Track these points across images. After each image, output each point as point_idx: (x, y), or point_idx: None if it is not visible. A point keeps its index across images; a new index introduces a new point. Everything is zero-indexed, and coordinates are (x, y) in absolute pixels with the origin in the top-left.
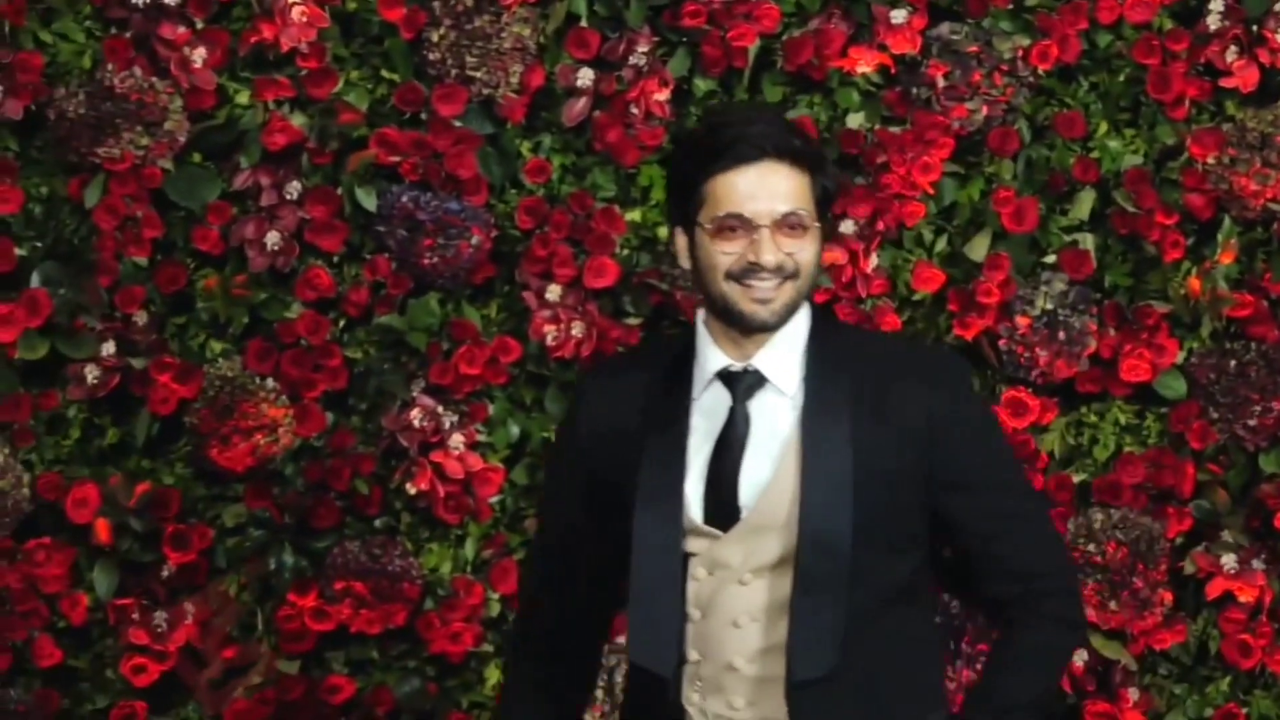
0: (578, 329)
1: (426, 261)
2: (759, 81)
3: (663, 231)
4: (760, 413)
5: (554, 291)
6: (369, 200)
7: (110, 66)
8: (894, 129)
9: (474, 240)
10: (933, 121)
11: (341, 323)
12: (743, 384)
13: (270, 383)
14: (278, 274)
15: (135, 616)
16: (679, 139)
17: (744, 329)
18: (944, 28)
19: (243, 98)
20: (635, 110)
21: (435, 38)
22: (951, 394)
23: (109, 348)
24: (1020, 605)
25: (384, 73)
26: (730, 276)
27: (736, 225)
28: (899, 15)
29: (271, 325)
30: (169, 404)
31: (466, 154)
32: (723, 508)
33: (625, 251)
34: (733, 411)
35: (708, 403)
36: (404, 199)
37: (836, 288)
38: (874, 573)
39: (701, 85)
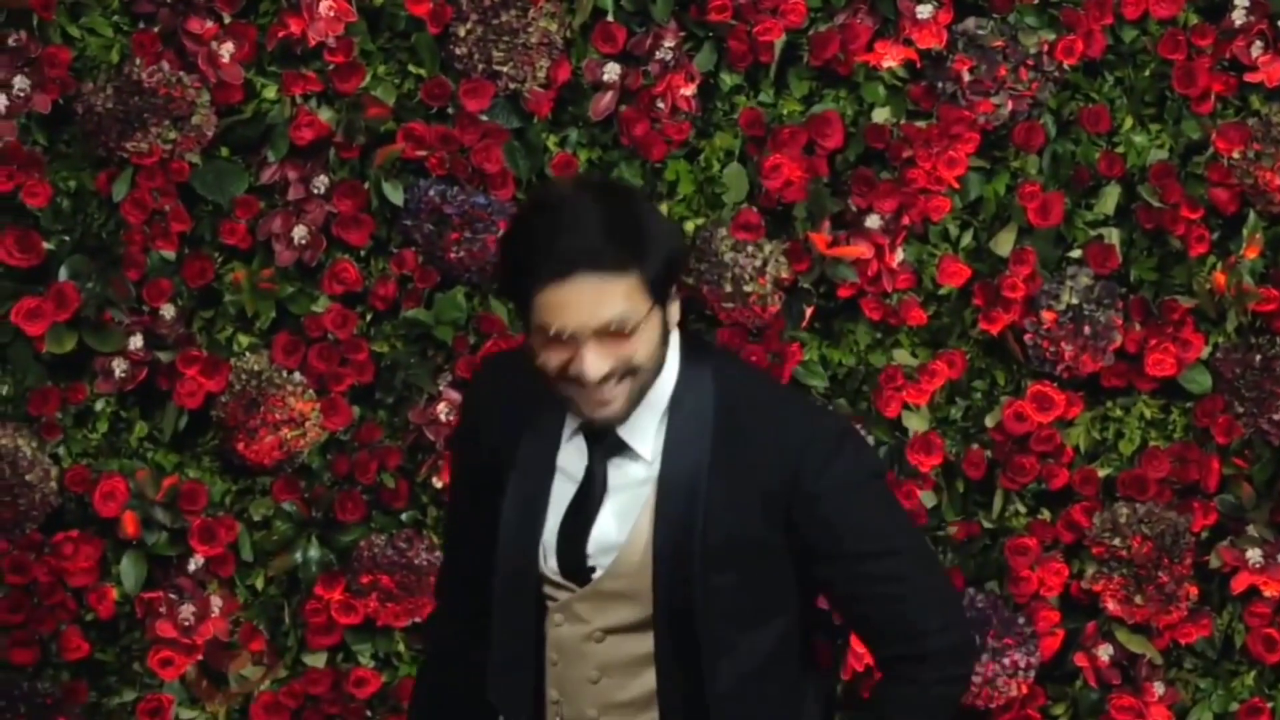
0: None
1: (453, 255)
2: (785, 76)
3: (690, 225)
4: (617, 475)
5: None
6: (396, 194)
7: (138, 61)
8: (920, 123)
9: (501, 234)
10: (958, 116)
11: (368, 317)
12: (602, 445)
13: (297, 376)
14: (305, 268)
15: (163, 610)
16: (504, 237)
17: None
18: (970, 22)
19: (270, 92)
20: (662, 105)
21: (462, 32)
22: (819, 461)
23: (137, 341)
24: (909, 663)
25: (411, 67)
26: (563, 379)
27: (556, 340)
28: (925, 10)
29: (299, 319)
30: (196, 397)
31: (493, 148)
32: (576, 564)
33: None
34: (590, 471)
35: (571, 451)
36: (430, 193)
37: (862, 282)
38: (736, 644)
39: (728, 80)
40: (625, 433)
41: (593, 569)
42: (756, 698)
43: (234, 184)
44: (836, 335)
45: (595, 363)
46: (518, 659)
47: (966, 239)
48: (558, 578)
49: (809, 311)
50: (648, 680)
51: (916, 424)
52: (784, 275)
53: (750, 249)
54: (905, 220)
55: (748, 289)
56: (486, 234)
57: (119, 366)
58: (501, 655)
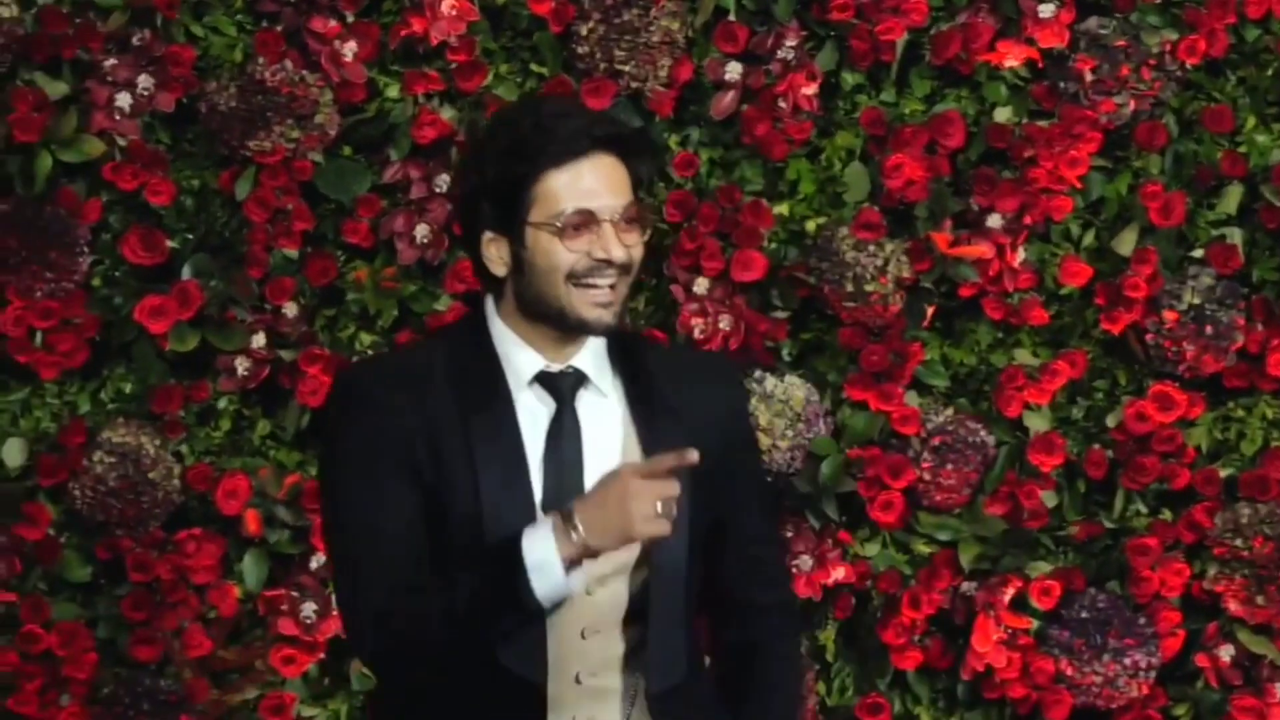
0: (725, 322)
1: None
2: (906, 75)
3: (811, 225)
4: (587, 416)
5: (702, 285)
6: None
7: (261, 60)
8: (1042, 123)
9: (474, 138)
10: (1080, 115)
11: None
12: (565, 384)
13: None
14: (427, 266)
15: (284, 608)
16: (485, 142)
17: (578, 334)
18: (1092, 22)
19: (393, 91)
20: (783, 104)
21: (584, 31)
22: (741, 395)
23: (259, 339)
24: (774, 611)
25: (533, 66)
26: (571, 277)
27: (582, 221)
28: (1047, 9)
29: (420, 317)
30: (319, 395)
31: None
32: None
33: (773, 245)
34: (559, 414)
35: (527, 404)
36: None
37: (983, 281)
38: (693, 578)
39: (849, 79)
40: (589, 368)
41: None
42: (697, 644)
43: (356, 183)
44: (958, 335)
45: (618, 245)
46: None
47: (1088, 238)
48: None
49: (930, 311)
50: (629, 632)
51: (1038, 424)
52: (905, 275)
53: (872, 248)
54: (1027, 220)
55: (869, 288)
56: None
57: (242, 365)
58: (507, 620)
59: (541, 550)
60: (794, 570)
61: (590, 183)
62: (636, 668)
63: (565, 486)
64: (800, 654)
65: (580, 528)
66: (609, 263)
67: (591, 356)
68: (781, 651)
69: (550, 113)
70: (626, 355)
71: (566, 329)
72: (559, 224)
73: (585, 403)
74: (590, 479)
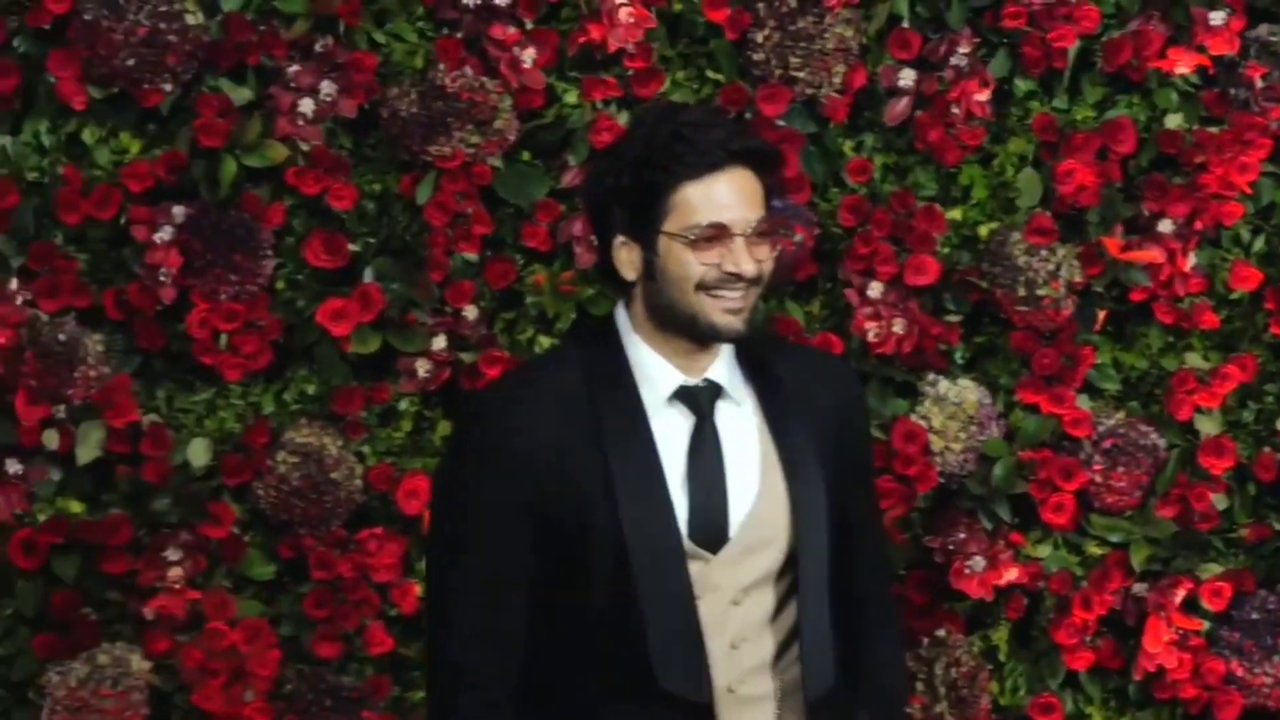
0: (899, 326)
1: None
2: (1078, 82)
3: (984, 230)
4: (725, 427)
5: (875, 289)
6: None
7: (442, 66)
8: (1212, 129)
9: (797, 238)
10: (1251, 122)
11: None
12: (704, 398)
13: None
14: None
15: None
16: (624, 146)
17: (710, 341)
18: (1262, 29)
19: (571, 97)
20: (956, 110)
21: (759, 38)
22: (861, 396)
23: (440, 342)
24: (887, 600)
25: (709, 73)
26: (702, 287)
27: (715, 235)
28: (1218, 17)
29: (598, 320)
30: None
31: (790, 153)
32: (711, 528)
33: (946, 249)
34: (699, 428)
35: (666, 421)
36: None
37: (1154, 286)
38: (833, 582)
39: (1022, 86)
40: (723, 380)
41: (727, 531)
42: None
43: (535, 187)
44: (1129, 339)
45: (748, 259)
46: (681, 639)
47: (1258, 244)
48: (694, 549)
49: (1102, 315)
50: (776, 635)
51: (1208, 427)
52: (1077, 279)
53: (1044, 253)
54: (1197, 225)
55: (1041, 292)
56: (783, 237)
57: (422, 366)
58: (663, 643)
59: None
60: (967, 571)
61: (725, 196)
62: (784, 671)
63: (709, 501)
64: (903, 651)
65: None
66: (738, 276)
67: (724, 366)
68: (895, 634)
69: (688, 122)
70: (753, 359)
71: (698, 336)
72: (692, 236)
73: (723, 414)
74: (733, 491)
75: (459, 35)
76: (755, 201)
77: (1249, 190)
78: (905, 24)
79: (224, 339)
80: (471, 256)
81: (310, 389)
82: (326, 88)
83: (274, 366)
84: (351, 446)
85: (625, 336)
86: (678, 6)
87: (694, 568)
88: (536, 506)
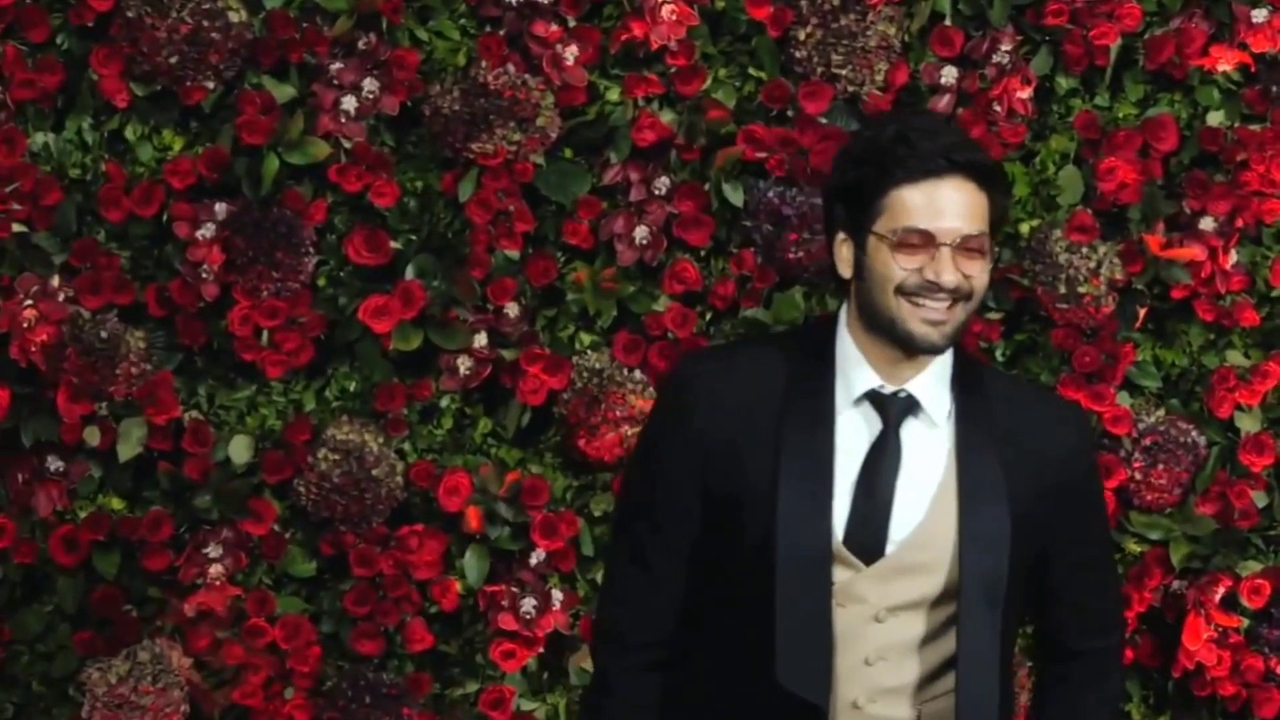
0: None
1: (791, 256)
2: (1120, 80)
3: (1025, 227)
4: (911, 442)
5: None
6: (736, 195)
7: (484, 63)
8: (1254, 127)
9: (851, 139)
10: None
11: (708, 316)
12: (894, 408)
13: (638, 374)
14: (646, 267)
15: (504, 603)
16: (854, 144)
17: (909, 349)
18: None
19: (613, 94)
20: (998, 108)
21: (802, 36)
22: (1084, 439)
23: (481, 339)
24: (1103, 656)
25: (751, 70)
26: (902, 291)
27: (919, 241)
28: (1260, 14)
29: (639, 318)
30: (539, 395)
31: (832, 150)
32: (868, 539)
33: None
34: (883, 437)
35: (851, 422)
36: (770, 194)
37: (1195, 283)
38: (1009, 623)
39: (1063, 83)
40: (922, 395)
41: (885, 544)
42: (1008, 685)
43: (577, 185)
44: (1170, 336)
45: (951, 270)
46: (810, 639)
47: None
48: (845, 554)
49: (1142, 312)
50: (921, 662)
51: (1249, 424)
52: (1118, 276)
53: (1085, 250)
54: (1239, 222)
55: (1082, 290)
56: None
57: (463, 364)
58: (791, 639)
59: None
60: None
61: (937, 204)
62: (925, 699)
63: (871, 512)
64: (1119, 691)
65: None
66: (938, 286)
67: (931, 382)
68: (1106, 691)
69: (915, 127)
70: (971, 385)
71: (897, 341)
72: (895, 239)
73: (911, 429)
74: (901, 507)
75: (501, 32)
76: (970, 215)
77: None
78: (947, 21)
79: (265, 336)
80: (513, 254)
81: (351, 386)
82: (369, 85)
83: (315, 363)
84: (392, 444)
85: (838, 332)
86: (720, 4)
87: (842, 574)
88: (704, 483)
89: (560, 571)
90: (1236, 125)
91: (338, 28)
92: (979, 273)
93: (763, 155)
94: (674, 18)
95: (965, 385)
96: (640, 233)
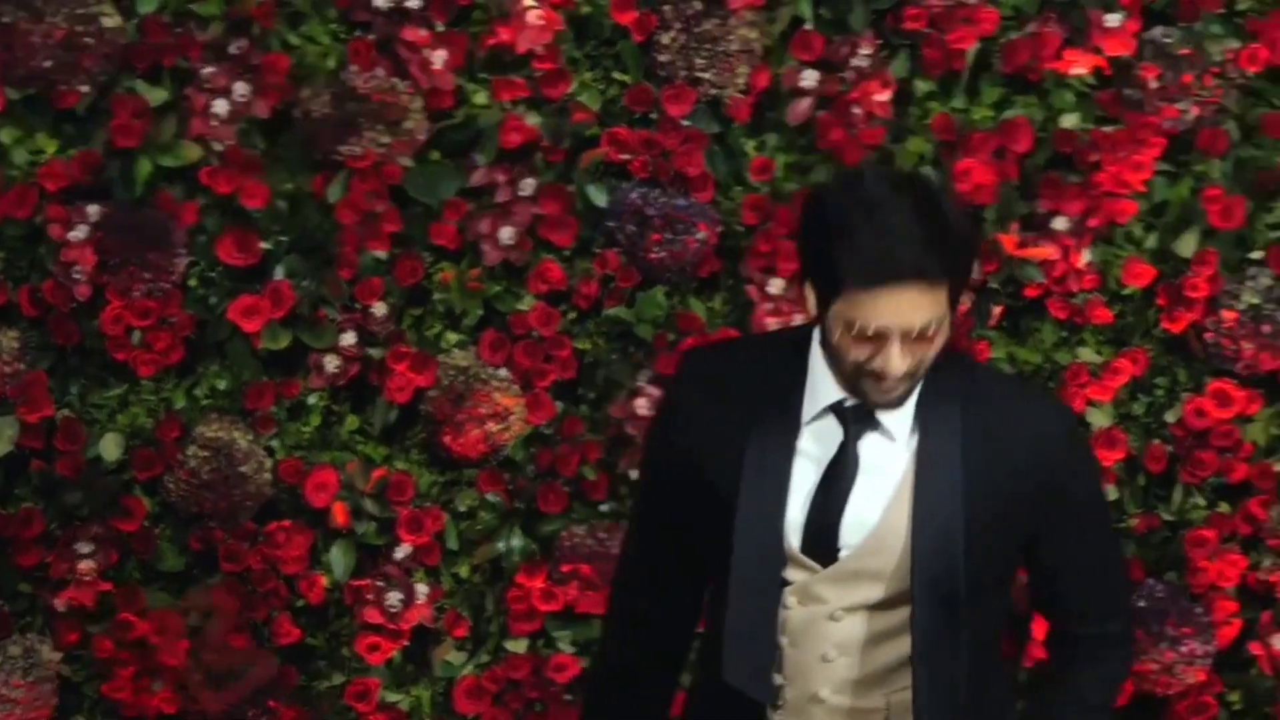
0: (799, 322)
1: (654, 256)
2: (977, 83)
3: None
4: (870, 452)
5: (777, 285)
6: (600, 197)
7: (354, 68)
8: (1107, 129)
9: (700, 235)
10: (1144, 122)
11: (572, 315)
12: (854, 422)
13: (503, 372)
14: (511, 267)
15: (370, 597)
16: (813, 207)
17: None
18: (1156, 31)
19: (480, 98)
20: (857, 110)
21: (665, 40)
22: (1070, 445)
23: (349, 338)
24: (1103, 642)
25: (615, 74)
26: (856, 366)
27: (871, 338)
28: (1113, 19)
29: (505, 317)
30: (406, 392)
31: (694, 152)
32: (822, 543)
33: None
34: (843, 447)
35: (816, 430)
36: (633, 196)
37: (1049, 282)
38: (979, 620)
39: (921, 86)
40: (882, 411)
41: (838, 549)
42: (986, 675)
43: (444, 186)
44: (1023, 334)
45: (900, 362)
46: (757, 637)
47: (1150, 241)
48: (801, 557)
49: (997, 311)
50: (880, 657)
51: (1100, 420)
52: (974, 276)
53: None
54: (1092, 222)
55: None
56: (686, 235)
57: (331, 362)
58: (739, 636)
59: None
60: None
61: (884, 307)
62: (892, 689)
63: (824, 519)
64: (1124, 672)
65: None
66: (888, 375)
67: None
68: (1107, 671)
69: (875, 233)
70: (940, 392)
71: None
72: (844, 327)
73: (871, 442)
74: (853, 518)
75: (371, 37)
76: (922, 309)
77: (1142, 188)
78: (808, 26)
79: (137, 335)
80: (381, 254)
81: (221, 384)
82: (240, 89)
83: (186, 362)
84: (261, 441)
85: (813, 344)
86: (585, 9)
87: (798, 577)
88: (678, 481)
89: (425, 566)
90: (1090, 127)
91: (210, 33)
92: (931, 348)
93: (626, 157)
94: (540, 23)
95: (934, 396)
96: (506, 233)
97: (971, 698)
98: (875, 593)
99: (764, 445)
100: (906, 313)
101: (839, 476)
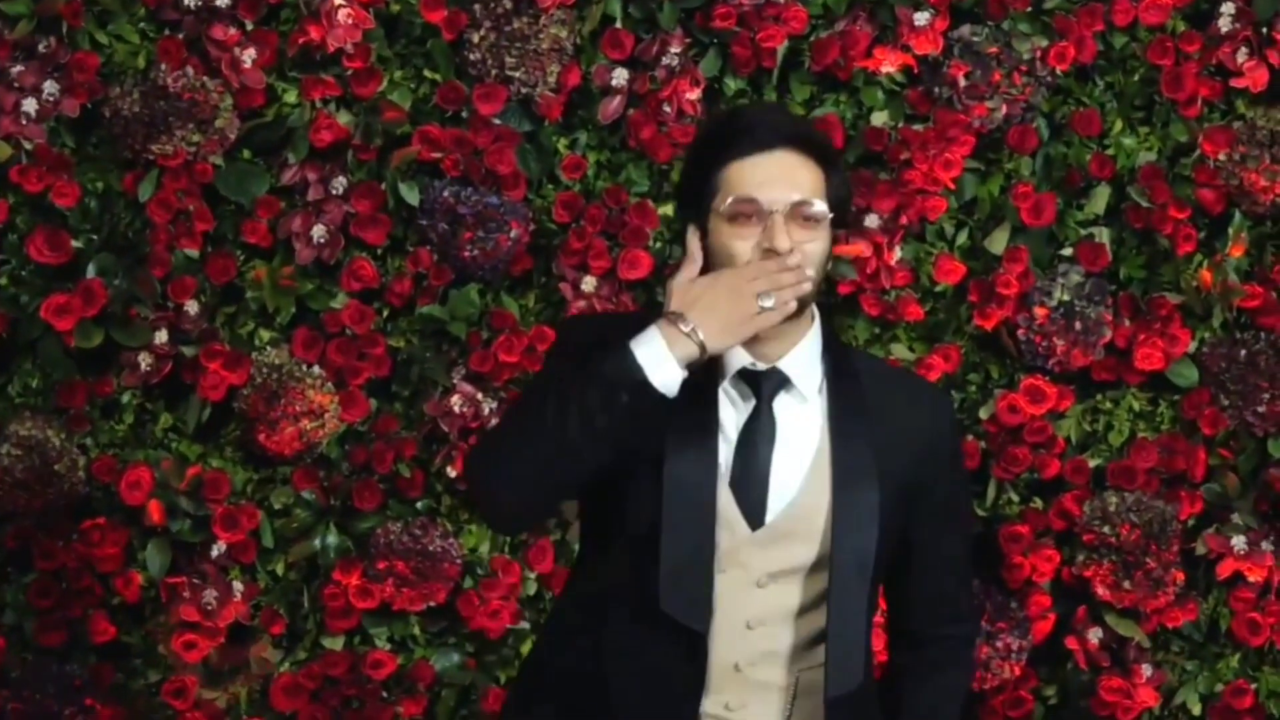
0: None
1: (467, 254)
2: (787, 81)
3: None
4: (785, 416)
5: (589, 283)
6: (412, 195)
7: (164, 66)
8: (917, 127)
9: (512, 233)
10: (954, 120)
11: (385, 312)
12: (767, 385)
13: (316, 370)
14: (324, 266)
15: (186, 594)
16: (696, 134)
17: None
18: (965, 29)
19: (291, 96)
20: (668, 108)
21: (476, 39)
22: (953, 426)
23: (162, 336)
24: (950, 644)
25: (426, 73)
26: (747, 268)
27: (750, 211)
28: (922, 17)
29: (318, 315)
30: (219, 390)
31: (506, 151)
32: (749, 508)
33: (658, 244)
34: (757, 410)
35: (729, 398)
36: (445, 194)
37: (861, 279)
38: (875, 588)
39: (732, 84)
40: (792, 371)
41: (764, 513)
42: (869, 661)
43: (255, 185)
44: (837, 330)
45: (785, 238)
46: (691, 566)
47: (962, 238)
48: (733, 516)
49: None
50: (799, 630)
51: None
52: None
53: None
54: (903, 220)
55: None
56: (499, 233)
57: (144, 360)
58: (673, 565)
59: (650, 349)
60: None
61: (765, 174)
62: (802, 666)
63: (751, 486)
64: (968, 680)
65: (694, 325)
66: (775, 253)
67: (802, 360)
68: (953, 680)
69: (749, 111)
70: (841, 364)
71: None
72: (728, 211)
73: (784, 404)
74: (777, 482)
75: (180, 36)
76: (803, 184)
77: (952, 186)
78: (618, 24)
79: None
80: (193, 252)
81: (34, 382)
82: (49, 87)
83: None
84: (75, 439)
85: None
86: (395, 7)
87: (726, 540)
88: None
89: (241, 563)
90: (900, 125)
91: (18, 31)
92: (812, 239)
93: (438, 155)
94: (350, 21)
95: (834, 362)
96: (318, 231)
97: (866, 679)
98: (798, 558)
99: (682, 421)
100: (788, 179)
101: (756, 441)
